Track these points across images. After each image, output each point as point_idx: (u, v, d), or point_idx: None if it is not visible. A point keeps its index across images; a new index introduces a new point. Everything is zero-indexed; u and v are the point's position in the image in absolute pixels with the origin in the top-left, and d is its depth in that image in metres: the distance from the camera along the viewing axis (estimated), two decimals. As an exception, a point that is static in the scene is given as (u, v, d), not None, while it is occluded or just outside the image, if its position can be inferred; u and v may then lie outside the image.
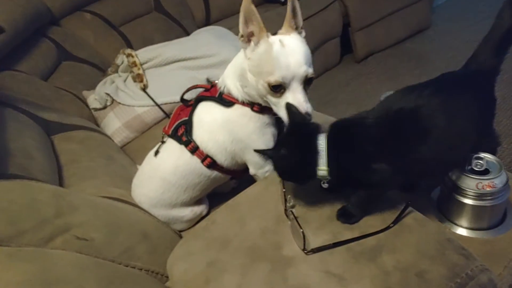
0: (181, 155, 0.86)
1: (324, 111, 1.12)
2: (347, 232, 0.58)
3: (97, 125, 1.40)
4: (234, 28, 1.88)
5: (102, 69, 1.67)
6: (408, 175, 0.59)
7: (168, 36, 1.79)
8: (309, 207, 0.65)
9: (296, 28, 0.78)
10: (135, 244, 0.69)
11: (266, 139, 0.85)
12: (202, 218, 0.94)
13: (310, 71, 0.73)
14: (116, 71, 1.55)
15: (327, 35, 2.26)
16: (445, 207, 0.71)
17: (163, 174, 0.88)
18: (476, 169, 0.64)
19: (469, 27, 2.60)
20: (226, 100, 0.84)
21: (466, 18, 2.77)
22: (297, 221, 0.57)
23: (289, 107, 0.68)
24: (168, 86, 1.43)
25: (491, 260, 0.59)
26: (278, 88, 0.72)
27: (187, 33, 1.99)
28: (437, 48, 2.49)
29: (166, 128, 0.92)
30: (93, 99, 1.43)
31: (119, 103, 1.39)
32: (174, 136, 0.88)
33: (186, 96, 0.97)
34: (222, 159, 0.86)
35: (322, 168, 0.59)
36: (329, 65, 2.45)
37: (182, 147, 0.86)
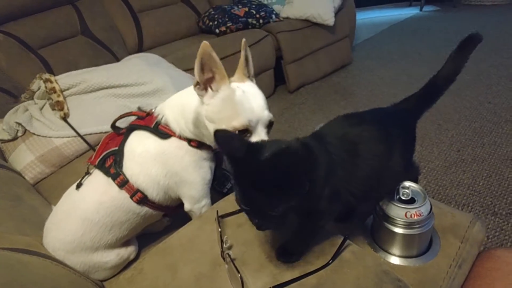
0: (107, 189, 0.78)
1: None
2: (287, 272, 0.55)
3: (4, 159, 1.21)
4: (167, 56, 1.84)
5: (14, 95, 1.49)
6: (346, 202, 0.60)
7: (96, 62, 1.68)
8: (248, 246, 0.61)
9: (248, 76, 0.78)
10: (42, 306, 0.58)
11: (203, 172, 0.81)
12: (131, 263, 0.83)
13: (271, 115, 0.73)
14: (31, 98, 1.38)
15: (261, 67, 2.34)
16: (378, 236, 0.73)
17: (84, 213, 0.77)
18: (403, 198, 0.67)
19: (384, 65, 2.92)
20: (162, 132, 0.79)
21: (379, 57, 3.13)
22: (234, 264, 0.52)
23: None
24: (94, 115, 1.31)
25: (423, 289, 0.60)
26: (243, 133, 0.70)
27: (118, 60, 1.89)
28: (358, 82, 2.74)
29: (92, 159, 0.82)
30: (0, 129, 1.25)
31: (33, 133, 1.23)
32: (101, 167, 0.79)
33: (119, 125, 0.89)
34: (154, 193, 0.80)
35: None
36: (264, 95, 2.52)
37: (109, 180, 0.78)
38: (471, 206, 1.53)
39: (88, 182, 0.80)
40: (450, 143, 1.92)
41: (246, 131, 0.70)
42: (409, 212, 0.65)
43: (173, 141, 0.79)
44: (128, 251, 0.84)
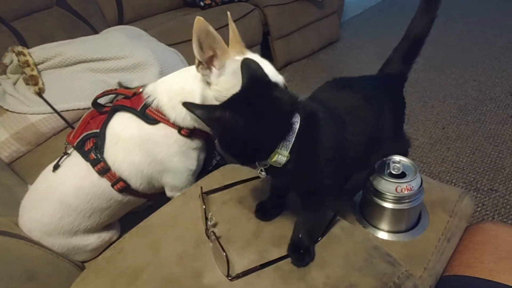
0: (87, 174, 0.72)
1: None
2: (274, 249, 0.53)
3: (-24, 137, 1.14)
4: (149, 30, 1.76)
5: (-15, 69, 1.39)
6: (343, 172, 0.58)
7: (73, 35, 1.58)
8: (233, 223, 0.59)
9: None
10: (16, 288, 0.54)
11: (189, 162, 0.77)
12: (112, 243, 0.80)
13: (283, 79, 0.68)
14: (4, 72, 1.30)
15: (248, 43, 2.24)
16: (367, 212, 0.72)
17: (62, 196, 0.72)
18: (394, 172, 0.66)
19: (371, 43, 2.88)
20: (149, 117, 0.73)
21: (367, 33, 3.09)
22: (219, 242, 0.50)
23: (247, 63, 0.54)
24: (71, 91, 1.25)
25: (412, 263, 0.60)
26: None
27: (96, 33, 1.79)
28: (345, 59, 2.70)
29: (71, 137, 0.76)
30: (-29, 105, 1.17)
31: (7, 110, 1.16)
32: (80, 150, 0.74)
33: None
34: (137, 183, 0.75)
35: (283, 153, 0.48)
36: (251, 73, 2.46)
37: (89, 165, 0.72)
38: (454, 182, 1.55)
39: (67, 164, 0.75)
40: (435, 121, 1.93)
41: None
42: (400, 186, 0.63)
43: (161, 127, 0.73)
44: (110, 234, 0.81)
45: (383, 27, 3.15)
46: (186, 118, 0.72)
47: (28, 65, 1.23)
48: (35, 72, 1.23)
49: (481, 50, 2.57)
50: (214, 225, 0.57)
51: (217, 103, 0.65)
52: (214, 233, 0.52)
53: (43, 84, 1.23)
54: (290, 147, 0.48)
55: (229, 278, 0.49)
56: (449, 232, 0.66)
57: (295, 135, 0.48)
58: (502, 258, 0.62)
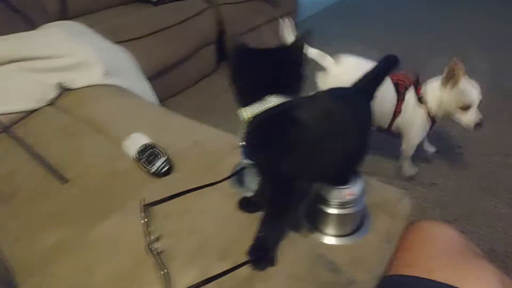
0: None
1: (201, 119, 1.05)
2: (218, 264, 0.52)
3: None
4: (95, 26, 1.65)
5: None
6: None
7: (9, 31, 1.44)
8: (176, 237, 0.56)
9: None
10: None
11: (418, 135, 1.51)
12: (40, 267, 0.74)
13: None
14: None
15: (202, 41, 2.21)
16: (313, 217, 0.72)
17: None
18: (338, 179, 0.67)
19: (326, 43, 2.93)
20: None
21: (322, 34, 3.15)
22: (159, 259, 0.48)
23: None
24: (5, 92, 1.14)
25: (357, 266, 0.61)
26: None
27: (35, 28, 1.65)
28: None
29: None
30: None
31: None
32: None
33: None
34: None
35: (247, 112, 0.53)
36: (206, 72, 2.41)
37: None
38: (399, 177, 1.64)
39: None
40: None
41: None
42: (343, 192, 0.64)
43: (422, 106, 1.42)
44: None
45: (337, 29, 3.23)
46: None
47: (-48, 64, 1.11)
48: (-40, 72, 1.11)
49: (425, 51, 2.74)
50: (156, 240, 0.54)
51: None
52: (155, 249, 0.50)
53: (-30, 85, 1.11)
54: (254, 113, 0.52)
55: (169, 298, 0.47)
56: (389, 233, 0.68)
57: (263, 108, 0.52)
58: (437, 255, 0.66)
